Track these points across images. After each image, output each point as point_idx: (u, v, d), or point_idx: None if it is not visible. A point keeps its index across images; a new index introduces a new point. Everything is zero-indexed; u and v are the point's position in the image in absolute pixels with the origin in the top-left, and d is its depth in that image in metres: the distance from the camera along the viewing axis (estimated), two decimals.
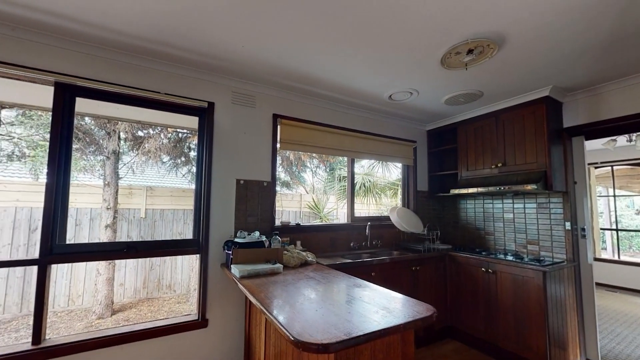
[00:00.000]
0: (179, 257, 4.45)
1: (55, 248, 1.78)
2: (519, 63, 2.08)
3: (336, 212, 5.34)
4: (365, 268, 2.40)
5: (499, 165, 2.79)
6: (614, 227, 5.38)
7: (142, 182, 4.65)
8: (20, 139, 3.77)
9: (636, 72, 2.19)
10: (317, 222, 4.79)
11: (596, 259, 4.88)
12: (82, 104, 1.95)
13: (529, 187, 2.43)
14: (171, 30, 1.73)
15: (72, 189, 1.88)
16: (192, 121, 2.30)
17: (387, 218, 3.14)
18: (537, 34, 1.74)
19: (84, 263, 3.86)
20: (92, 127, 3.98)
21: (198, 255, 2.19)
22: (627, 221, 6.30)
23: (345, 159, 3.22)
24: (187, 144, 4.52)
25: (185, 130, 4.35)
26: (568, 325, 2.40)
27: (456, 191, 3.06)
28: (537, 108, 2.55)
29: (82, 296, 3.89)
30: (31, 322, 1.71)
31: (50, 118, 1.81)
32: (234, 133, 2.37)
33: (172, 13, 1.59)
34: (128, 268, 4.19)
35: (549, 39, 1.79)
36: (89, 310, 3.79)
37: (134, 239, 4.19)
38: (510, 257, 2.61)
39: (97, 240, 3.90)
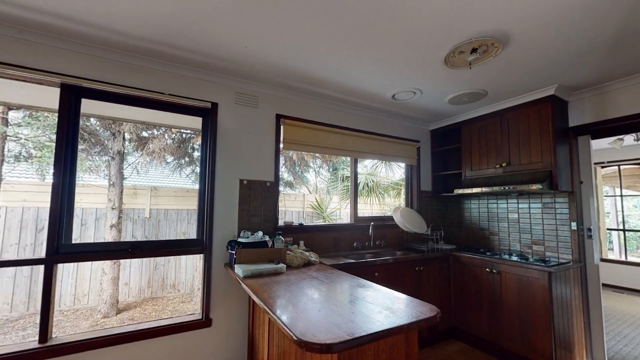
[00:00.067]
0: (183, 257, 4.47)
1: (62, 248, 1.80)
2: (523, 62, 2.06)
3: (339, 212, 5.34)
4: (369, 268, 2.39)
5: (503, 164, 2.77)
6: (621, 227, 5.31)
7: (146, 182, 4.68)
8: (27, 139, 3.82)
9: None
10: (320, 222, 4.79)
11: (603, 260, 4.82)
12: (87, 105, 1.97)
13: (534, 187, 2.41)
14: (175, 31, 1.75)
15: (77, 189, 1.91)
16: (196, 122, 2.31)
17: (391, 218, 3.13)
18: (542, 32, 1.72)
19: (90, 262, 3.90)
20: (98, 127, 4.02)
21: (202, 255, 2.20)
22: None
23: (348, 158, 3.22)
24: (191, 144, 4.55)
25: (189, 131, 4.38)
26: (574, 327, 2.37)
27: (460, 191, 3.04)
28: (543, 107, 2.52)
29: (88, 295, 3.93)
30: (38, 321, 1.73)
31: (57, 119, 1.83)
32: (238, 133, 2.38)
33: (175, 14, 1.60)
34: (133, 267, 4.22)
35: (554, 37, 1.77)
36: (94, 309, 3.83)
37: (139, 239, 4.22)
38: (515, 258, 2.58)
39: (102, 240, 3.93)
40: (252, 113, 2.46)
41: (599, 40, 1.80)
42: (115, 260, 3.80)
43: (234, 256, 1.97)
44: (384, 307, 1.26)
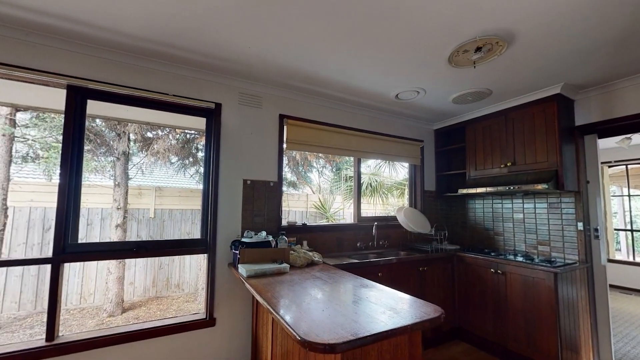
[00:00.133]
0: (187, 257, 4.50)
1: (68, 247, 1.83)
2: (528, 60, 2.04)
3: (342, 212, 5.33)
4: (372, 268, 2.39)
5: (508, 164, 2.75)
6: (628, 227, 5.24)
7: (151, 182, 4.72)
8: (34, 140, 3.88)
9: None
10: (323, 222, 4.79)
11: (610, 260, 4.76)
12: (93, 106, 1.99)
13: (540, 186, 2.38)
14: (178, 32, 1.76)
15: (83, 190, 1.93)
16: (200, 122, 2.32)
17: (394, 218, 3.12)
18: (548, 30, 1.70)
19: (96, 262, 3.94)
20: (103, 128, 4.07)
21: (206, 254, 2.22)
22: None
23: (352, 158, 3.21)
24: (195, 144, 4.58)
25: (193, 131, 4.41)
26: (580, 328, 2.35)
27: (464, 191, 3.02)
28: (548, 106, 2.50)
29: (94, 294, 3.97)
30: (45, 320, 1.75)
31: (63, 120, 1.85)
32: (241, 133, 2.39)
33: (179, 15, 1.61)
34: (138, 267, 4.26)
35: (560, 36, 1.75)
36: (100, 308, 3.87)
37: (144, 239, 4.25)
38: (520, 258, 2.56)
39: (107, 240, 3.97)
40: (255, 113, 2.47)
41: (605, 38, 1.78)
42: (121, 260, 3.84)
43: (238, 256, 1.98)
44: (388, 308, 1.25)
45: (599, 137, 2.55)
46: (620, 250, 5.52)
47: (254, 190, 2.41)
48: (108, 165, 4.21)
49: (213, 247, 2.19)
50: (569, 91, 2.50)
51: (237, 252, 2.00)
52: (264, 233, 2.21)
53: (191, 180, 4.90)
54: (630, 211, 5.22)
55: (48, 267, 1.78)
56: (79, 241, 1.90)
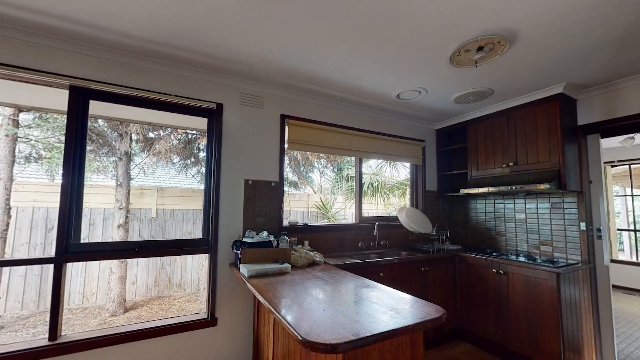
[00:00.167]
0: (189, 257, 4.51)
1: (71, 247, 1.83)
2: (531, 60, 2.04)
3: (344, 212, 5.33)
4: (374, 268, 2.39)
5: (510, 164, 2.74)
6: (631, 227, 5.21)
7: (153, 182, 4.74)
8: (37, 141, 3.90)
9: None
10: (325, 222, 4.79)
11: (613, 261, 4.73)
12: (95, 107, 2.00)
13: (542, 186, 2.37)
14: (179, 32, 1.76)
15: (86, 190, 1.94)
16: (202, 122, 2.33)
17: (396, 218, 3.12)
18: (550, 29, 1.69)
19: (98, 262, 3.96)
20: (105, 129, 4.09)
21: (207, 254, 2.22)
22: None
23: (353, 158, 3.21)
24: (197, 144, 4.59)
25: (194, 132, 4.42)
26: (583, 329, 2.33)
27: (466, 191, 3.01)
28: (550, 105, 2.49)
29: (96, 294, 3.99)
30: (48, 319, 1.76)
31: (65, 120, 1.86)
32: (243, 134, 2.39)
33: (180, 16, 1.61)
34: (140, 267, 4.27)
35: (562, 35, 1.74)
36: (102, 307, 3.89)
37: (146, 239, 4.27)
38: (522, 258, 2.55)
39: (110, 240, 3.99)
40: (256, 113, 2.47)
41: (607, 38, 1.77)
42: (123, 260, 3.86)
43: (239, 256, 1.98)
44: (389, 308, 1.25)
45: (602, 137, 2.54)
46: (623, 250, 5.49)
47: (256, 190, 2.41)
48: (110, 166, 4.23)
49: (215, 247, 2.19)
50: (571, 91, 2.49)
51: (239, 252, 2.01)
52: (265, 233, 2.21)
53: (193, 181, 4.92)
54: (634, 211, 5.19)
55: (51, 266, 1.79)
56: (82, 241, 1.91)
